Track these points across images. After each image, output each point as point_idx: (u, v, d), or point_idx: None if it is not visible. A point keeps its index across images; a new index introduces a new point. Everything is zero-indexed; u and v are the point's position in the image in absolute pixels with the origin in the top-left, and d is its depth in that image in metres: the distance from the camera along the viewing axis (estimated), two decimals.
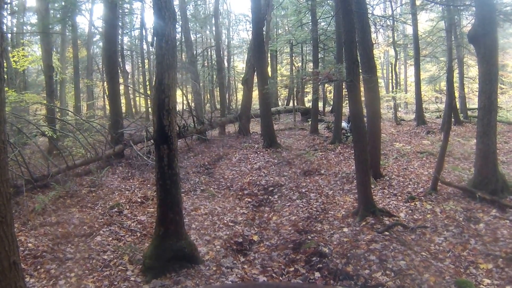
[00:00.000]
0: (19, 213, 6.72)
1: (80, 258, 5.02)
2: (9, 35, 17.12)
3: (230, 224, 6.53)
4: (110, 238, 5.78)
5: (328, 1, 16.26)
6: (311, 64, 20.96)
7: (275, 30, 27.62)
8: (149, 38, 25.24)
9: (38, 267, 4.76)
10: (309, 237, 5.68)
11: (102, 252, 5.26)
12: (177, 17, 6.21)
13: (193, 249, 4.88)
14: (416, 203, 6.79)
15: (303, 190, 8.23)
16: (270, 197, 8.18)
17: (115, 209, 7.08)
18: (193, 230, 6.11)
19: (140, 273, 4.62)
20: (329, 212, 6.80)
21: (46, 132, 10.73)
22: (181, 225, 4.86)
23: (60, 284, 4.38)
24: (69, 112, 18.18)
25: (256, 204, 7.87)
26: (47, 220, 6.54)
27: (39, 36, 15.39)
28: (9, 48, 15.25)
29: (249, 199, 8.12)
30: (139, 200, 7.70)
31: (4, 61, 2.93)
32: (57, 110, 15.28)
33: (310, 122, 17.09)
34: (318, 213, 6.80)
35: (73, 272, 4.65)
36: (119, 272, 4.67)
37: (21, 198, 7.30)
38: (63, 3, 13.94)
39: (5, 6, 14.83)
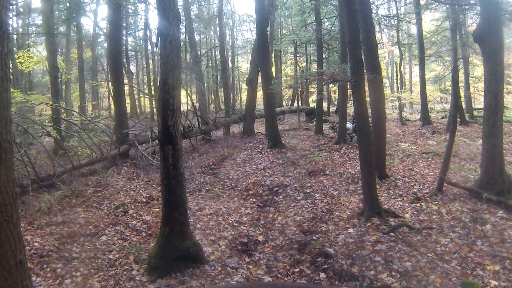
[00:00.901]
0: (25, 212, 6.77)
1: (86, 258, 5.04)
2: (15, 36, 17.26)
3: (235, 224, 6.52)
4: (116, 238, 5.80)
5: (332, 1, 16.21)
6: (315, 64, 20.89)
7: (279, 30, 27.62)
8: (154, 39, 25.30)
9: (44, 266, 4.79)
10: (314, 237, 5.65)
11: (107, 251, 5.27)
12: (181, 17, 6.22)
13: (198, 249, 4.88)
14: (422, 204, 6.74)
15: (308, 191, 8.20)
16: (275, 197, 8.16)
17: (121, 209, 7.10)
18: (198, 230, 6.11)
19: (145, 273, 4.63)
20: (334, 212, 6.77)
21: (52, 133, 10.79)
22: (186, 225, 4.86)
23: (66, 283, 4.40)
24: (75, 113, 18.28)
25: (261, 204, 7.85)
26: (53, 219, 6.58)
27: (44, 37, 15.52)
28: (14, 49, 15.40)
29: (254, 200, 8.11)
30: (144, 200, 7.72)
31: (10, 62, 2.95)
32: (63, 110, 15.38)
33: (314, 123, 17.04)
34: (323, 213, 6.77)
35: (79, 272, 4.67)
36: (125, 272, 4.68)
37: (27, 197, 7.36)
38: (67, 4, 14.04)
39: (11, 7, 14.96)
